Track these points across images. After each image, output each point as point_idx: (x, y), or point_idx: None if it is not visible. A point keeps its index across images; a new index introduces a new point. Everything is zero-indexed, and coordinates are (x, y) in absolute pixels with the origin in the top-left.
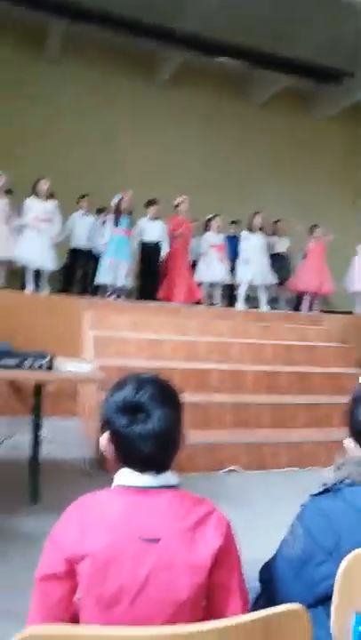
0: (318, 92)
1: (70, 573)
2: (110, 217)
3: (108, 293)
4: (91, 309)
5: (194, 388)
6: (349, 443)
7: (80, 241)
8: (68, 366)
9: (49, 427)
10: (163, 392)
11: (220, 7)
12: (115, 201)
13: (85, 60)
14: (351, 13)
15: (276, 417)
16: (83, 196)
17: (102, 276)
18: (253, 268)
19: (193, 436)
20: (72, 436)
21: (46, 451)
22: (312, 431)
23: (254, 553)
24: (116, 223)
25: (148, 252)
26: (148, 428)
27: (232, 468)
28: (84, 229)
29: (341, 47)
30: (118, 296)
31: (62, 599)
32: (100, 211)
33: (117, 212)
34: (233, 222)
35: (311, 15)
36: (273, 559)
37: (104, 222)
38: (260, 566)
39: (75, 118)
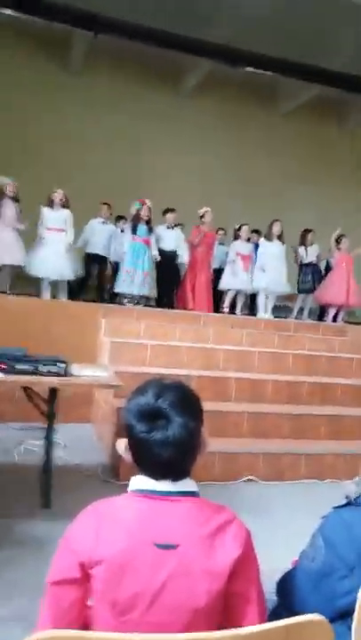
0: (347, 103)
1: (84, 578)
2: (128, 225)
3: (126, 301)
4: (108, 316)
5: (211, 396)
6: None
7: (96, 248)
8: (83, 372)
9: (63, 433)
10: (184, 399)
11: (249, 17)
12: (133, 209)
13: (109, 70)
14: None
15: (297, 427)
16: (103, 204)
17: (120, 285)
18: (269, 275)
19: (210, 444)
20: (86, 442)
21: (60, 456)
22: (333, 443)
23: (272, 563)
24: (134, 231)
25: (165, 260)
26: (168, 434)
27: (250, 477)
28: (102, 237)
29: None
30: (136, 303)
31: (75, 604)
32: (119, 218)
33: (136, 220)
34: (254, 231)
35: (342, 26)
36: (291, 571)
37: (122, 230)
38: (278, 577)
39: (98, 127)
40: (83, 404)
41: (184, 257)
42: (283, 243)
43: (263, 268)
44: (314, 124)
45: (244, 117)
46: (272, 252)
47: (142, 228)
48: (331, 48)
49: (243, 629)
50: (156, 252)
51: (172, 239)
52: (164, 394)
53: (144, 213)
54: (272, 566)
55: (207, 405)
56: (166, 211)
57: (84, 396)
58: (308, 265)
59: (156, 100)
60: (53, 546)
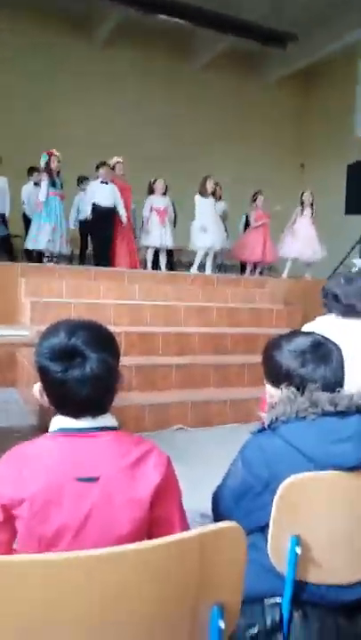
0: (264, 56)
1: (8, 520)
2: (45, 177)
3: (46, 260)
4: (27, 276)
5: (139, 350)
6: (270, 388)
7: None
8: (3, 332)
9: None
10: (97, 335)
11: None
12: (43, 161)
13: (19, 18)
14: None
15: (222, 376)
16: None
17: (41, 242)
18: (212, 234)
19: (140, 397)
20: (12, 405)
21: None
22: (257, 389)
23: (201, 504)
24: (53, 184)
25: (102, 216)
26: (86, 371)
27: (179, 426)
28: None
29: (287, 14)
30: (57, 261)
31: (0, 546)
32: (31, 171)
33: (49, 172)
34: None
35: None
36: (219, 488)
37: (35, 183)
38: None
39: (9, 75)
40: (6, 369)
41: (124, 217)
42: (215, 199)
43: (205, 228)
44: (232, 78)
45: (160, 69)
46: (208, 210)
47: (58, 181)
48: (246, 1)
49: (157, 540)
50: (88, 210)
51: (108, 194)
52: (77, 332)
53: (54, 165)
54: (201, 506)
55: (136, 360)
56: (100, 165)
57: (6, 360)
58: None
59: (67, 50)
60: None
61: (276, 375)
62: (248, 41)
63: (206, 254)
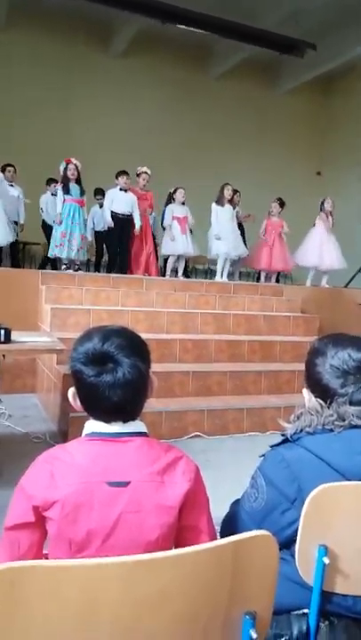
0: (281, 64)
1: (39, 521)
2: (59, 186)
3: (64, 267)
4: (47, 283)
5: (157, 357)
6: (307, 393)
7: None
8: (24, 339)
9: (8, 402)
10: (130, 342)
11: None
12: (62, 168)
13: (38, 27)
14: None
15: (239, 384)
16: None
17: (55, 249)
18: (228, 241)
19: (157, 404)
20: (32, 410)
21: (6, 425)
22: (273, 397)
23: (217, 512)
24: (67, 191)
25: (120, 224)
26: (118, 376)
27: (196, 433)
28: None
29: (304, 21)
30: (77, 269)
31: (31, 548)
32: (50, 181)
33: (65, 180)
34: None
35: None
36: (234, 513)
37: (53, 194)
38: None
39: (27, 87)
40: (26, 374)
41: (137, 225)
42: (233, 207)
43: (219, 236)
44: (250, 86)
45: (177, 79)
46: (225, 217)
47: (75, 187)
48: (264, 10)
49: (193, 547)
50: (108, 218)
51: (126, 202)
52: (110, 338)
53: (71, 172)
54: (218, 514)
55: (153, 367)
56: (119, 173)
57: (27, 366)
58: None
59: (85, 60)
60: (5, 514)
61: (314, 385)
62: (266, 50)
63: (225, 260)
